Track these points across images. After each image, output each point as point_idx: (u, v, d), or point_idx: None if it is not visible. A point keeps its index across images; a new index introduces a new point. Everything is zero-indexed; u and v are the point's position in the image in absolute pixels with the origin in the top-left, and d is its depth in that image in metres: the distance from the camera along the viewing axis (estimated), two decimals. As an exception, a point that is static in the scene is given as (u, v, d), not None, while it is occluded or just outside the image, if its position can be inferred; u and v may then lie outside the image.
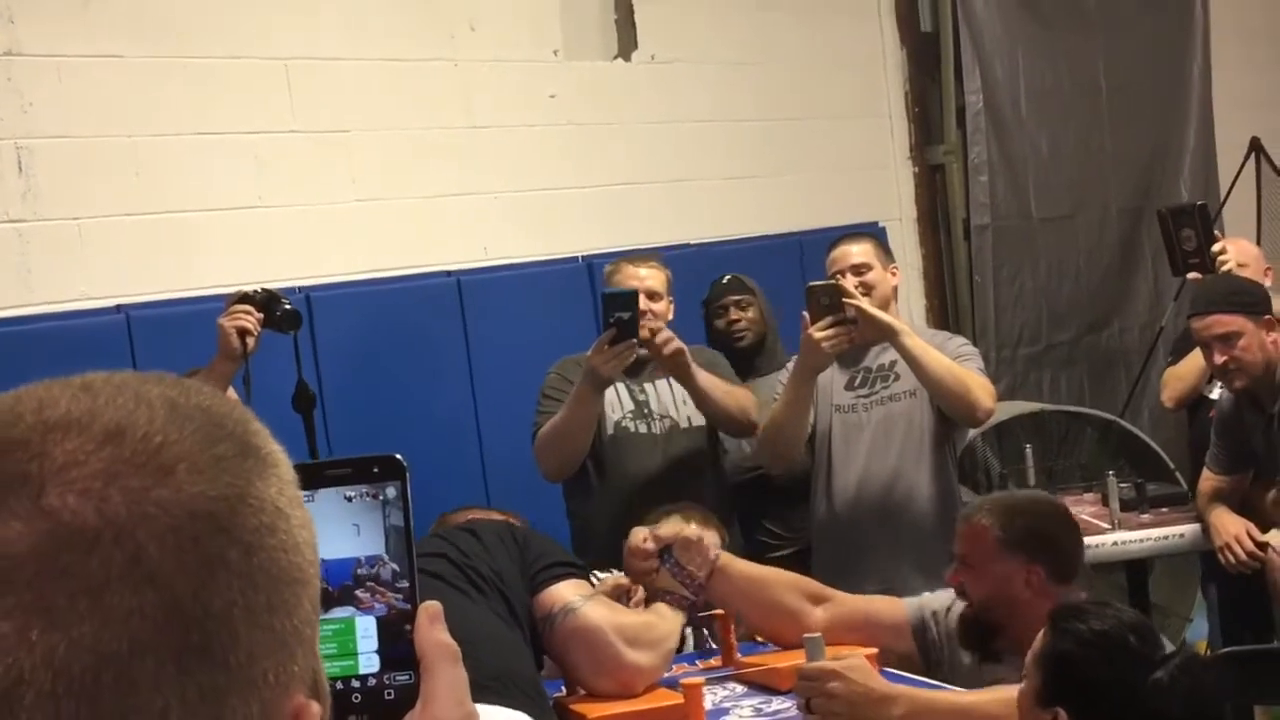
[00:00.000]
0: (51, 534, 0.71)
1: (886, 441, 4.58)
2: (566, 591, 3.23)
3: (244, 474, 0.77)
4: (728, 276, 5.36)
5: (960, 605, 3.46)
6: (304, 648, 0.80)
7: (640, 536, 3.57)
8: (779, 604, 3.59)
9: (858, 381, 4.65)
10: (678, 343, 4.50)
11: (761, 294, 5.32)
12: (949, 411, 4.50)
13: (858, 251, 4.69)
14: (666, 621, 3.41)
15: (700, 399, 4.60)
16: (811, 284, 4.49)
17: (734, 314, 5.25)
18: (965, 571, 3.43)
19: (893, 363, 4.59)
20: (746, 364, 5.09)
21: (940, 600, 3.57)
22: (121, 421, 0.75)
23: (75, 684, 0.69)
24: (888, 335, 4.47)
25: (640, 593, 3.76)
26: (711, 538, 3.64)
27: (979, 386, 4.47)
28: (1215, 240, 5.26)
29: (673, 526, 3.57)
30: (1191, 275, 5.30)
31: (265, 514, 0.77)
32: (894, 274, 4.77)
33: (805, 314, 4.42)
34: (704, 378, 4.58)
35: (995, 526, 3.38)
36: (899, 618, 3.60)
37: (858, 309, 4.41)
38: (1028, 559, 3.31)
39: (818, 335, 4.37)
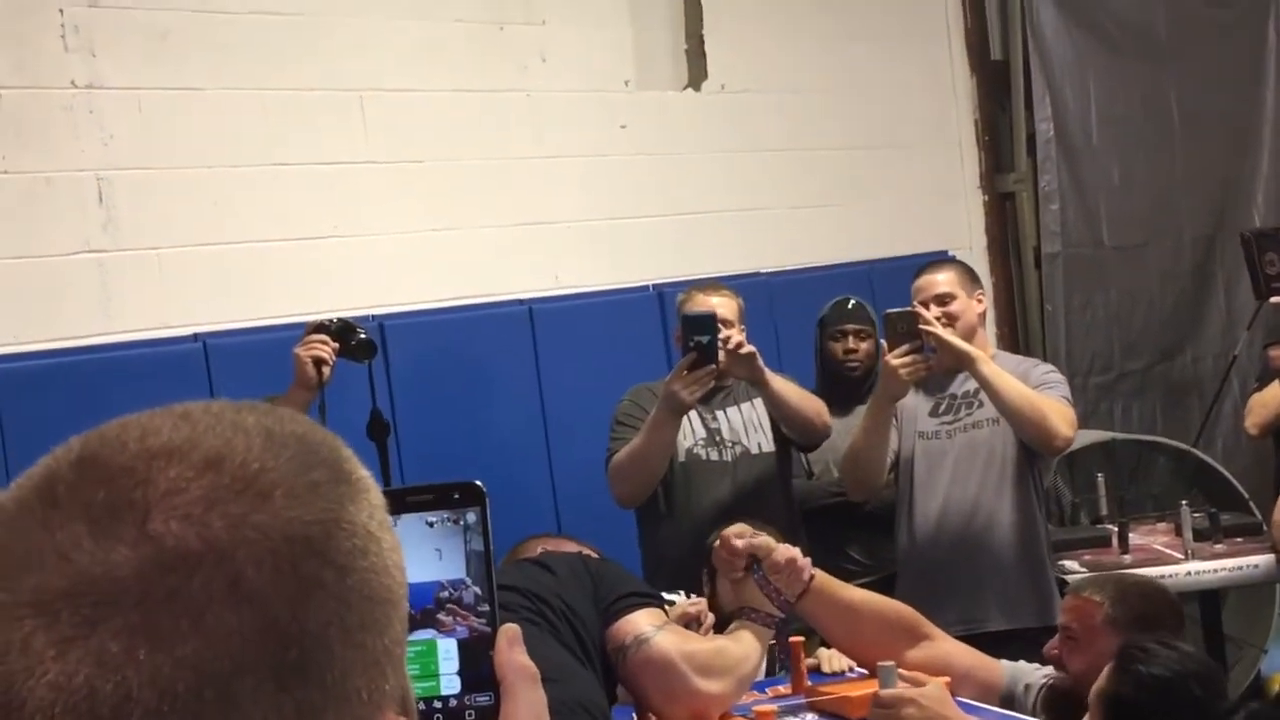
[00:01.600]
0: (156, 558, 0.74)
1: (968, 469, 4.55)
2: (640, 621, 3.23)
3: (337, 499, 0.80)
4: (852, 301, 5.30)
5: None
6: (394, 666, 0.82)
7: (735, 531, 3.46)
8: (870, 637, 3.49)
9: (942, 408, 4.63)
10: (748, 345, 4.52)
11: (877, 327, 5.31)
12: (1026, 439, 4.46)
13: (942, 280, 4.67)
14: (742, 645, 3.36)
15: (775, 401, 4.61)
16: (889, 311, 4.48)
17: (852, 343, 5.21)
18: (1068, 644, 3.44)
19: (977, 390, 4.54)
20: (850, 395, 5.08)
21: (1035, 675, 3.52)
22: (221, 449, 0.78)
23: (180, 701, 0.72)
24: (965, 363, 4.45)
25: (710, 619, 3.76)
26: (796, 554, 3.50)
27: (1056, 414, 4.42)
28: None
29: (769, 541, 3.45)
30: (1274, 300, 5.27)
31: (358, 537, 0.80)
32: (979, 300, 4.72)
33: (883, 341, 4.43)
34: (778, 381, 4.60)
35: (1106, 605, 3.40)
36: (994, 680, 3.53)
37: (935, 336, 4.41)
38: None
39: (895, 362, 4.37)
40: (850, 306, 5.28)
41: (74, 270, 4.76)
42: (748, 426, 4.72)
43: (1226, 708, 2.63)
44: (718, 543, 3.50)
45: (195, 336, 4.94)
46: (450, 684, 1.16)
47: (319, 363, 4.21)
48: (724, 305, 4.67)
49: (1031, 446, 4.50)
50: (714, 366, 4.38)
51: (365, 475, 0.85)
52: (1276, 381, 5.02)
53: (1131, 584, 3.65)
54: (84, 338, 4.76)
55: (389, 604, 0.81)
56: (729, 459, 4.69)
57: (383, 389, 4.82)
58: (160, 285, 4.93)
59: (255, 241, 5.14)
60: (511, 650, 1.10)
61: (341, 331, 4.32)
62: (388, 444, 4.53)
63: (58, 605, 0.73)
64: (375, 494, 0.84)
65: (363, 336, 4.36)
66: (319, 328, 4.31)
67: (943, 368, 4.51)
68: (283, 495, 0.78)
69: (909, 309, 4.50)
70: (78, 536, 0.74)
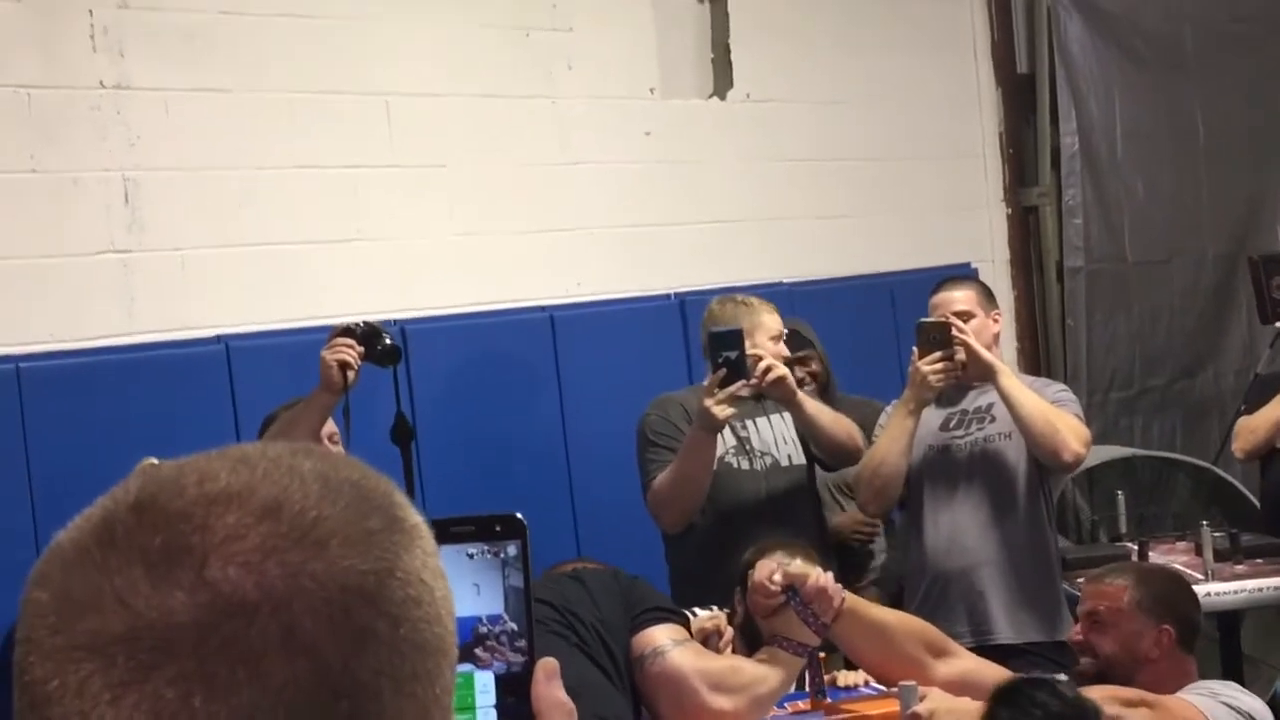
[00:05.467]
0: (213, 605, 0.74)
1: (980, 484, 4.57)
2: (659, 635, 3.25)
3: (392, 548, 0.80)
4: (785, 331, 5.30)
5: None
6: (443, 715, 0.82)
7: (767, 572, 3.46)
8: (901, 653, 3.51)
9: (953, 423, 4.65)
10: (780, 369, 4.48)
11: (818, 339, 5.27)
12: (1036, 453, 4.50)
13: (960, 298, 4.70)
14: (760, 667, 3.37)
15: (808, 425, 4.59)
16: (921, 320, 4.56)
17: (798, 372, 5.21)
18: (1095, 629, 3.59)
19: (990, 405, 4.60)
20: None
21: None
22: (278, 496, 0.78)
23: None
24: (990, 375, 4.49)
25: (729, 633, 3.76)
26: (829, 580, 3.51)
27: (1069, 429, 4.46)
28: None
29: (803, 567, 3.47)
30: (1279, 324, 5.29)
31: (411, 586, 0.80)
32: (995, 320, 4.76)
33: (914, 349, 4.47)
34: (810, 404, 4.59)
35: (1131, 588, 3.58)
36: None
37: (966, 346, 4.45)
38: (1159, 620, 3.52)
39: (926, 369, 4.43)
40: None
41: (98, 270, 4.77)
42: (778, 439, 4.70)
43: None
44: (751, 587, 3.49)
45: (218, 338, 4.94)
46: (487, 717, 1.16)
47: (344, 366, 4.19)
48: (771, 320, 4.65)
49: (1043, 461, 4.53)
50: (745, 381, 4.36)
51: (419, 521, 0.85)
52: (1269, 405, 5.04)
53: (1150, 568, 3.93)
54: (107, 337, 4.76)
55: (440, 653, 0.81)
56: (760, 469, 4.66)
57: (404, 393, 4.81)
58: (184, 286, 4.93)
59: (279, 244, 5.14)
60: (549, 685, 1.11)
61: (367, 336, 4.30)
62: (411, 449, 4.52)
63: (114, 650, 0.73)
64: (428, 540, 0.84)
65: (388, 342, 4.35)
66: (345, 331, 4.29)
67: (969, 379, 4.55)
68: (339, 544, 0.78)
69: (942, 319, 4.55)
70: (135, 581, 0.75)
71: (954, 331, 4.48)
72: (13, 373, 4.51)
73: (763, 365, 4.44)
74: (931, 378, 4.45)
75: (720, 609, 3.86)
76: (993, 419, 4.61)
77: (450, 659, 0.83)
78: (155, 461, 3.55)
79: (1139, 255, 7.56)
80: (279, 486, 0.79)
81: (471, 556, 1.18)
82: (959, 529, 4.58)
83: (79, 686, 0.73)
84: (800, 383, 5.07)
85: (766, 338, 4.57)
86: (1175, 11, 7.79)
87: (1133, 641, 3.53)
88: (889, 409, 4.72)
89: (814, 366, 5.22)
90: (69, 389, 4.57)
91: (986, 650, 4.16)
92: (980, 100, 7.36)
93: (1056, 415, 4.47)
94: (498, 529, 1.19)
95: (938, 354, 4.45)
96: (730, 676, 3.32)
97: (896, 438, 4.53)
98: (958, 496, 4.60)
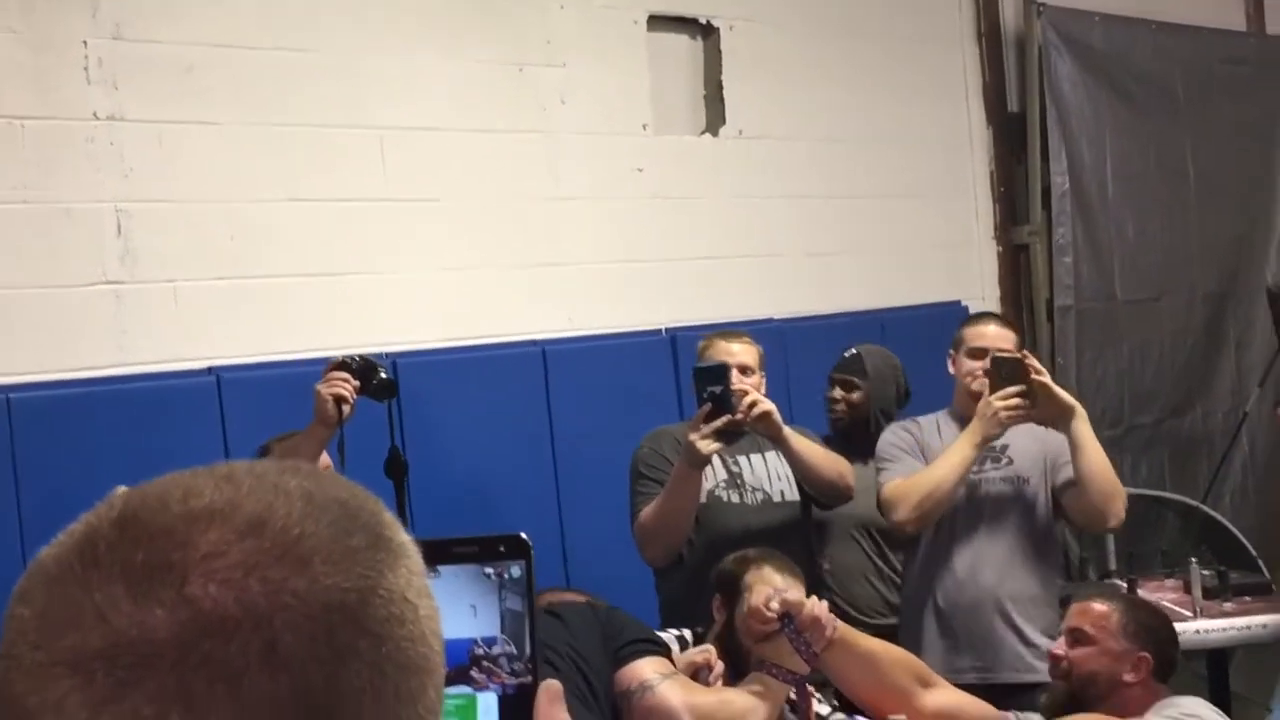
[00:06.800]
0: (193, 622, 0.74)
1: (994, 523, 4.52)
2: (645, 669, 3.25)
3: (376, 566, 0.80)
4: (852, 351, 5.31)
5: None
6: None
7: (763, 598, 3.45)
8: (891, 682, 3.50)
9: None
10: (765, 404, 4.42)
11: (879, 379, 5.23)
12: (1086, 508, 4.43)
13: (1002, 335, 4.63)
14: (747, 698, 3.37)
15: (795, 461, 4.54)
16: (996, 354, 4.45)
17: (836, 393, 5.24)
18: (1077, 646, 3.65)
19: (1005, 447, 4.53)
20: (840, 445, 5.04)
21: None
22: (262, 513, 0.78)
23: None
24: (1066, 416, 4.39)
25: (719, 668, 3.75)
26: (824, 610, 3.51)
27: (1122, 498, 4.43)
28: None
29: (799, 595, 3.47)
30: None
31: (395, 605, 0.80)
32: None
33: (985, 383, 4.41)
34: (798, 440, 4.53)
35: (1117, 612, 3.67)
36: None
37: (1041, 385, 4.38)
38: (1140, 646, 3.60)
39: (997, 404, 4.34)
40: (847, 356, 5.28)
41: (90, 301, 4.77)
42: (772, 475, 4.65)
43: None
44: (746, 612, 3.49)
45: (209, 370, 4.94)
46: None
47: (339, 400, 4.16)
48: (744, 352, 4.61)
49: (1085, 515, 4.49)
50: (730, 416, 4.34)
51: (405, 540, 0.84)
52: None
53: (1136, 599, 3.97)
54: (98, 368, 4.76)
55: (424, 672, 0.81)
56: (751, 503, 4.62)
57: (395, 426, 4.81)
58: (175, 318, 4.93)
59: (271, 276, 5.15)
60: (552, 707, 1.11)
61: (363, 370, 4.28)
62: (405, 483, 4.50)
63: (94, 666, 0.73)
64: (415, 560, 0.84)
65: (384, 376, 4.33)
66: (340, 365, 4.26)
67: (1040, 419, 4.44)
68: (321, 561, 0.78)
69: (1017, 355, 4.47)
70: (116, 597, 0.75)
71: (1031, 371, 4.38)
72: (3, 403, 4.51)
73: (748, 400, 4.39)
74: (1003, 413, 4.34)
75: (704, 631, 3.85)
76: (1009, 461, 4.54)
77: (436, 678, 0.83)
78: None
79: (1129, 294, 7.58)
80: (263, 503, 0.79)
81: (488, 576, 1.18)
82: (972, 566, 4.51)
83: (57, 703, 0.73)
84: (831, 404, 5.18)
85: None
86: (1166, 53, 7.83)
87: (1112, 662, 3.59)
88: (889, 430, 4.69)
89: (854, 396, 5.21)
90: (60, 420, 4.57)
91: (994, 688, 4.14)
92: (971, 139, 7.39)
93: (1116, 479, 4.41)
94: (502, 549, 1.19)
95: (1013, 389, 4.33)
96: (720, 710, 3.32)
97: (957, 465, 4.40)
98: (971, 534, 4.53)
